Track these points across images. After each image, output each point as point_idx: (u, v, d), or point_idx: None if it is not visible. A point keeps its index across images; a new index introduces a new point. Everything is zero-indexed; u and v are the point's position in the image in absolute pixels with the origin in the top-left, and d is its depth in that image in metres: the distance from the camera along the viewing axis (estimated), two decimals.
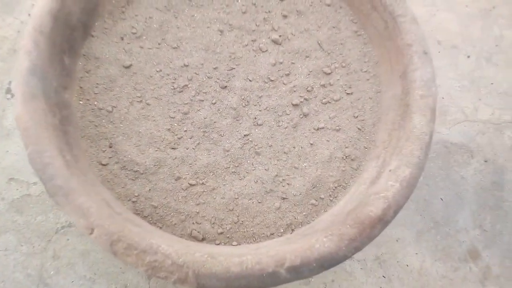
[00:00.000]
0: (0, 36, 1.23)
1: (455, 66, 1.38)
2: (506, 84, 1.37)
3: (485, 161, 1.29)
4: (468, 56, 1.39)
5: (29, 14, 1.26)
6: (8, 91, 1.18)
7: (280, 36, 0.81)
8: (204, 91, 0.76)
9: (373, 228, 0.63)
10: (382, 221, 0.64)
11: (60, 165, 0.61)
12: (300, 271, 0.60)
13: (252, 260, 0.59)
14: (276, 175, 0.73)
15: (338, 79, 0.80)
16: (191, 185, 0.71)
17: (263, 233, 0.70)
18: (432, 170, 1.25)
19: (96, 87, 0.74)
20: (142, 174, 0.71)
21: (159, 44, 0.78)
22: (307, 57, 0.81)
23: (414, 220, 1.20)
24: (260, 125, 0.76)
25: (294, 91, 0.78)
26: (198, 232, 0.69)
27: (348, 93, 0.79)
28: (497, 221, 1.22)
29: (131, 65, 0.76)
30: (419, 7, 1.44)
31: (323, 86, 0.79)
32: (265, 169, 0.73)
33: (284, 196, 0.72)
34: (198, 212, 0.70)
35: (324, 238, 0.62)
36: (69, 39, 0.72)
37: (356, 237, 0.62)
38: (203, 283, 0.58)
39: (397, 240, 1.15)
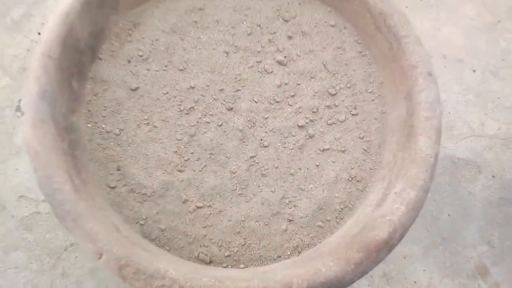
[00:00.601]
0: (10, 55, 1.25)
1: (461, 81, 1.38)
2: None
3: (493, 176, 1.29)
4: (474, 70, 1.40)
5: (39, 33, 1.28)
6: (18, 109, 1.20)
7: (285, 57, 0.82)
8: (210, 113, 0.77)
9: (379, 252, 0.63)
10: (388, 245, 0.64)
11: (69, 190, 0.62)
12: None
13: (259, 284, 0.60)
14: (283, 197, 0.74)
15: (343, 100, 0.80)
16: (198, 207, 0.72)
17: (270, 256, 0.71)
18: (439, 186, 1.26)
19: (104, 110, 0.75)
20: (149, 196, 0.71)
21: (165, 66, 0.79)
22: (312, 78, 0.81)
23: (421, 236, 1.20)
24: (266, 146, 0.76)
25: (300, 112, 0.79)
26: (205, 255, 0.70)
27: (353, 114, 0.80)
28: (505, 237, 1.22)
29: (138, 87, 0.77)
30: (424, 21, 1.45)
31: (329, 107, 0.80)
32: (272, 191, 0.74)
33: (291, 218, 0.73)
34: (205, 235, 0.70)
35: (330, 263, 0.62)
36: (77, 63, 0.73)
37: (362, 261, 0.62)
38: None
39: (404, 257, 1.15)
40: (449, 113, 1.33)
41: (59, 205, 0.61)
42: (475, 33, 1.44)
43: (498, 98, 1.36)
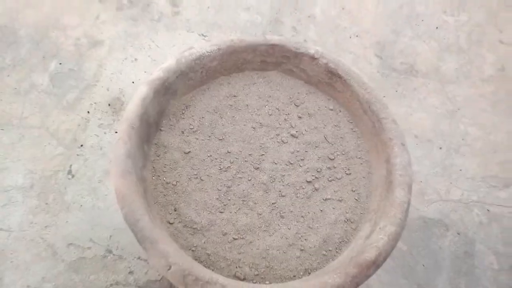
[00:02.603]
0: (64, 129, 1.50)
1: (430, 156, 1.67)
2: (472, 171, 1.66)
3: (458, 234, 1.54)
4: (440, 148, 1.69)
5: (88, 112, 1.54)
6: (69, 172, 1.43)
7: (296, 131, 1.11)
8: (242, 171, 1.04)
9: (369, 269, 0.87)
10: (375, 264, 0.88)
11: (147, 221, 0.86)
12: None
13: None
14: (296, 233, 0.99)
15: (340, 163, 1.08)
16: (235, 239, 0.96)
17: (288, 275, 0.94)
18: (414, 241, 1.50)
19: (164, 167, 1.01)
20: (199, 230, 0.96)
21: (209, 136, 1.07)
22: (316, 147, 1.10)
23: (400, 283, 1.42)
24: (283, 196, 1.03)
25: (308, 171, 1.06)
26: (240, 273, 0.93)
27: (347, 174, 1.07)
28: (470, 285, 1.45)
29: (189, 151, 1.04)
30: (399, 108, 1.76)
31: (329, 168, 1.07)
32: (288, 228, 0.99)
33: (302, 248, 0.97)
34: (240, 259, 0.94)
35: (334, 275, 0.86)
36: (147, 132, 1.00)
37: (357, 275, 0.86)
38: None
39: None
40: (421, 181, 1.60)
41: (140, 231, 0.85)
42: (440, 118, 1.76)
43: (460, 170, 1.65)
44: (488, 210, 1.58)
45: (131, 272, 1.30)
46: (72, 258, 1.31)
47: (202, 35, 1.80)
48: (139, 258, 1.32)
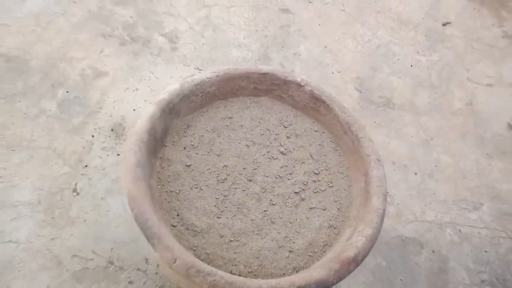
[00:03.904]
0: (70, 151, 1.62)
1: (406, 181, 1.82)
2: (444, 195, 1.80)
3: (433, 252, 1.66)
4: (415, 173, 1.84)
5: (92, 136, 1.67)
6: (74, 190, 1.54)
7: (285, 149, 1.25)
8: (237, 182, 1.17)
9: (349, 265, 1.00)
10: (355, 261, 1.01)
11: (155, 220, 0.98)
12: None
13: (274, 282, 0.95)
14: (285, 236, 1.11)
15: (324, 177, 1.22)
16: (231, 241, 1.08)
17: (278, 273, 1.06)
18: (392, 257, 1.61)
19: (168, 177, 1.14)
20: (199, 233, 1.08)
21: (208, 152, 1.20)
22: (303, 163, 1.24)
23: None
24: (274, 204, 1.16)
25: (295, 184, 1.20)
26: (236, 271, 1.04)
27: (330, 186, 1.21)
28: None
29: (190, 164, 1.17)
30: (378, 136, 1.91)
31: (314, 181, 1.21)
32: (278, 232, 1.11)
33: (291, 250, 1.09)
34: (235, 258, 1.06)
35: (319, 270, 0.98)
36: (154, 146, 1.14)
37: (339, 269, 0.99)
38: None
39: None
40: (398, 204, 1.74)
41: (149, 229, 0.96)
42: (415, 146, 1.92)
43: (434, 194, 1.79)
44: (460, 230, 1.72)
45: (130, 282, 1.39)
46: (76, 268, 1.40)
47: (198, 68, 1.97)
48: (138, 269, 1.42)
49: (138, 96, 1.81)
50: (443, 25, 2.48)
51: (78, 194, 1.53)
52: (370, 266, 1.56)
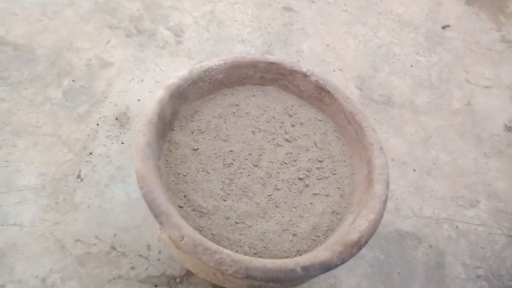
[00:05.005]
0: (74, 138, 1.63)
1: (405, 177, 1.84)
2: (442, 192, 1.83)
3: (430, 246, 1.68)
4: (414, 170, 1.87)
5: (97, 124, 1.68)
6: (78, 176, 1.56)
7: (290, 137, 1.27)
8: (243, 167, 1.19)
9: (352, 248, 1.02)
10: (358, 244, 1.03)
11: (164, 199, 1.00)
12: (309, 269, 0.97)
13: (280, 261, 0.97)
14: (289, 220, 1.13)
15: (327, 165, 1.25)
16: (236, 223, 1.10)
17: (282, 255, 1.08)
18: (391, 251, 1.63)
19: (176, 160, 1.16)
20: (205, 214, 1.10)
21: (214, 137, 1.23)
22: (307, 150, 1.26)
23: None
24: (278, 189, 1.18)
25: (299, 170, 1.22)
26: (241, 252, 1.06)
27: (333, 174, 1.24)
28: None
29: (198, 148, 1.19)
30: (378, 134, 1.93)
31: (318, 168, 1.24)
32: (282, 216, 1.14)
33: (294, 233, 1.12)
34: (240, 240, 1.08)
35: (323, 252, 1.01)
36: (163, 129, 1.16)
37: (342, 251, 1.01)
38: (249, 273, 0.94)
39: None
40: (397, 199, 1.77)
41: (157, 207, 0.98)
42: (414, 144, 1.94)
43: (432, 190, 1.82)
44: (457, 227, 1.75)
45: (132, 268, 1.40)
46: (79, 253, 1.41)
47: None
48: (140, 255, 1.43)
49: (143, 87, 1.83)
50: (443, 28, 2.52)
51: (82, 180, 1.55)
52: (368, 259, 1.58)
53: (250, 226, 1.11)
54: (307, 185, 1.20)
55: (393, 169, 1.85)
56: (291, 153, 1.25)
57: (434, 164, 1.90)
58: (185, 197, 1.12)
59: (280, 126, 1.29)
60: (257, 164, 1.21)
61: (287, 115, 1.32)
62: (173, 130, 1.21)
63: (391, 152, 1.90)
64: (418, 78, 2.23)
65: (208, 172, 1.17)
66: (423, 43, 2.42)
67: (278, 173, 1.21)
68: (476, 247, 1.72)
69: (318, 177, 1.22)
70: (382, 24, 2.45)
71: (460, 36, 2.52)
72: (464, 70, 2.33)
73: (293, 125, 1.30)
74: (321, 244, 1.12)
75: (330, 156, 1.27)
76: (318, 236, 1.13)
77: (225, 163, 1.19)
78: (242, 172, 1.19)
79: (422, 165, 1.89)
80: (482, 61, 2.41)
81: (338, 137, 1.31)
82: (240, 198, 1.14)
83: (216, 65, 1.27)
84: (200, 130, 1.23)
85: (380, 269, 1.58)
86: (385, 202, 1.12)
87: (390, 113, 2.03)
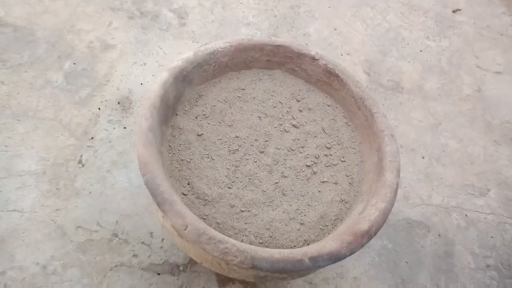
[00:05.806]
0: (76, 122, 1.60)
1: (413, 164, 1.80)
2: (451, 179, 1.79)
3: (439, 235, 1.65)
4: (423, 157, 1.83)
5: (99, 108, 1.65)
6: (80, 161, 1.52)
7: (297, 122, 1.23)
8: (249, 153, 1.15)
9: (362, 238, 0.99)
10: (368, 234, 0.99)
11: (167, 186, 0.96)
12: (317, 260, 0.94)
13: (287, 251, 0.94)
14: (297, 209, 1.10)
15: (336, 152, 1.21)
16: (242, 211, 1.07)
17: (288, 245, 1.05)
18: (399, 240, 1.60)
19: (179, 146, 1.12)
20: (210, 202, 1.06)
21: (219, 122, 1.19)
22: (315, 137, 1.22)
23: (386, 277, 1.52)
24: (285, 177, 1.14)
25: (307, 157, 1.18)
26: (246, 241, 1.03)
27: (342, 161, 1.20)
28: (449, 281, 1.55)
29: (202, 134, 1.15)
30: None
31: (326, 155, 1.19)
32: (289, 205, 1.10)
33: (302, 222, 1.08)
34: (246, 229, 1.04)
35: (331, 242, 0.97)
36: (166, 114, 1.12)
37: (352, 242, 0.97)
38: (255, 264, 0.91)
39: None
40: (405, 187, 1.73)
41: (160, 194, 0.95)
42: (423, 131, 1.90)
43: (441, 178, 1.78)
44: (466, 215, 1.71)
45: (135, 255, 1.38)
46: (80, 240, 1.38)
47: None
48: (142, 243, 1.41)
49: (146, 71, 1.79)
50: (453, 11, 2.46)
51: (83, 165, 1.51)
52: (376, 247, 1.55)
53: (256, 215, 1.07)
54: (315, 173, 1.16)
55: (402, 156, 1.81)
56: (298, 139, 1.21)
57: (443, 151, 1.86)
58: (188, 184, 1.08)
59: (287, 111, 1.25)
60: (263, 150, 1.17)
61: (295, 100, 1.28)
62: (176, 115, 1.17)
63: (399, 138, 1.86)
64: (427, 63, 2.17)
65: (212, 159, 1.13)
66: (433, 27, 2.36)
67: (285, 160, 1.17)
68: (485, 236, 1.68)
69: (326, 164, 1.18)
70: (390, 7, 2.39)
71: (471, 20, 2.46)
72: (475, 55, 2.27)
73: (300, 111, 1.26)
74: (329, 234, 1.08)
75: (339, 143, 1.22)
76: (326, 225, 1.09)
77: (230, 149, 1.15)
78: (248, 159, 1.15)
79: (431, 152, 1.85)
80: (493, 46, 2.35)
81: (347, 123, 1.26)
82: (245, 186, 1.11)
83: (221, 48, 1.22)
84: (204, 115, 1.19)
85: (388, 258, 1.55)
86: (396, 191, 1.08)
87: (399, 98, 1.99)
